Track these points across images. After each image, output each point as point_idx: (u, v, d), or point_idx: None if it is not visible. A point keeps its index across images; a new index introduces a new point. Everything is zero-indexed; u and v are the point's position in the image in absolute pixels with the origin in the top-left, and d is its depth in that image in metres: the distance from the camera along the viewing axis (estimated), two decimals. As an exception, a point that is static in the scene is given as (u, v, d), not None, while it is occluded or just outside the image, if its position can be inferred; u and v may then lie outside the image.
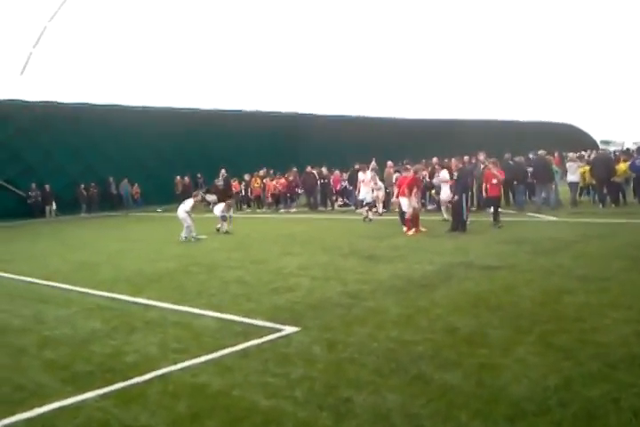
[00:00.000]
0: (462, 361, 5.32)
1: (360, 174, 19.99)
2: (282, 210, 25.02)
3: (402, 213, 15.35)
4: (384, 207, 20.67)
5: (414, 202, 14.92)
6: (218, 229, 17.10)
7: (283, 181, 25.80)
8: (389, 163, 22.26)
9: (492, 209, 15.75)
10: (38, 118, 28.45)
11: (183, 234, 15.65)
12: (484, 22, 42.55)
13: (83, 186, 29.42)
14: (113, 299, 8.97)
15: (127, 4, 30.04)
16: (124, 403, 4.93)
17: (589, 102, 55.84)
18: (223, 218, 17.02)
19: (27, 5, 27.58)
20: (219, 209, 17.17)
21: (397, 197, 15.53)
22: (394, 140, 42.76)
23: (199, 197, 16.98)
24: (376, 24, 39.22)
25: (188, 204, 15.88)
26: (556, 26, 43.78)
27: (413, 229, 14.61)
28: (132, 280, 10.43)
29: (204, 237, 15.81)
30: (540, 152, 20.50)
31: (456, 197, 14.72)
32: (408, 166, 16.34)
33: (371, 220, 18.22)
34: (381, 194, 20.30)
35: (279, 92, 40.75)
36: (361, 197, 19.57)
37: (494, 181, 15.26)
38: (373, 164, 23.14)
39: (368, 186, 19.23)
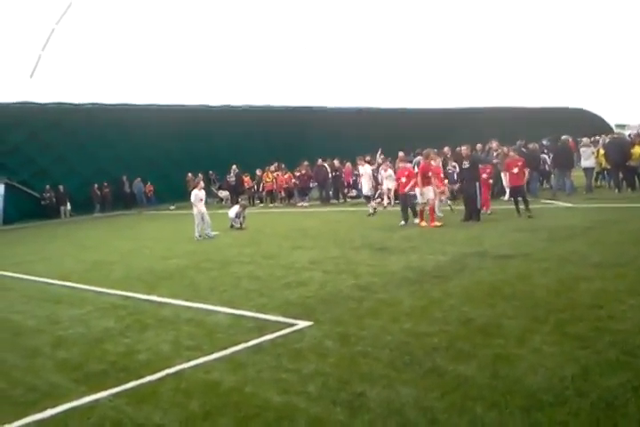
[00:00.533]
0: (477, 352, 5.24)
1: (360, 168, 19.77)
2: (300, 203, 24.87)
3: (404, 205, 15.00)
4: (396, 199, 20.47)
5: (431, 192, 14.51)
6: (232, 226, 17.09)
7: (288, 175, 25.82)
8: (401, 154, 22.07)
9: (516, 199, 14.58)
10: (50, 120, 28.61)
11: (206, 231, 15.55)
12: (495, 9, 42.10)
13: (96, 186, 29.57)
14: (126, 297, 8.98)
15: (132, 4, 30.05)
16: (137, 402, 4.91)
17: (602, 86, 55.09)
18: (237, 216, 17.03)
19: (34, 9, 27.70)
20: (233, 211, 17.15)
21: (404, 189, 14.99)
22: (404, 130, 42.47)
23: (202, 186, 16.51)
24: (385, 13, 38.94)
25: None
26: (568, 10, 43.19)
27: (419, 220, 14.44)
28: (144, 278, 10.45)
29: (216, 233, 15.77)
30: (564, 137, 20.26)
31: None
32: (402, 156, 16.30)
33: (372, 213, 17.80)
34: (392, 185, 19.79)
35: (287, 86, 40.63)
36: (365, 191, 19.40)
37: (515, 170, 14.61)
38: (380, 154, 23.08)
39: (367, 179, 19.03)
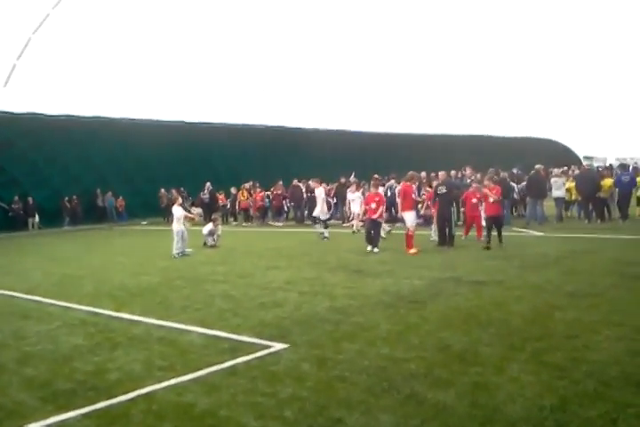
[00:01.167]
0: (455, 380, 5.21)
1: (316, 190, 18.83)
2: (274, 223, 24.74)
3: (369, 231, 14.38)
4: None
5: (413, 217, 14.23)
6: (205, 243, 16.92)
7: (262, 193, 25.80)
8: (375, 176, 22.16)
9: (490, 228, 14.03)
10: (23, 130, 28.13)
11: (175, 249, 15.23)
12: (468, 39, 43.06)
13: (66, 198, 29.06)
14: (96, 314, 8.76)
15: (111, 15, 29.97)
16: (107, 423, 4.76)
17: (571, 118, 56.53)
18: (210, 233, 16.89)
19: (11, 18, 27.46)
20: (207, 229, 17.00)
21: (372, 214, 14.35)
22: (379, 154, 42.92)
23: (180, 202, 16.40)
24: (364, 41, 39.52)
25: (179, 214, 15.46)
26: (539, 43, 44.37)
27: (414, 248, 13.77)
28: (115, 294, 10.22)
29: (190, 250, 15.57)
30: (537, 166, 20.63)
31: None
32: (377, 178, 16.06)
33: (326, 237, 17.39)
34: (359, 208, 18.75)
35: (268, 106, 40.76)
36: (315, 213, 18.28)
37: (491, 199, 14.05)
38: (353, 178, 23.18)
39: (321, 202, 18.12)
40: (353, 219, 19.92)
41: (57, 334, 7.64)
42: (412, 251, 13.61)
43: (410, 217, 14.26)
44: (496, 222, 14.09)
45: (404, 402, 4.80)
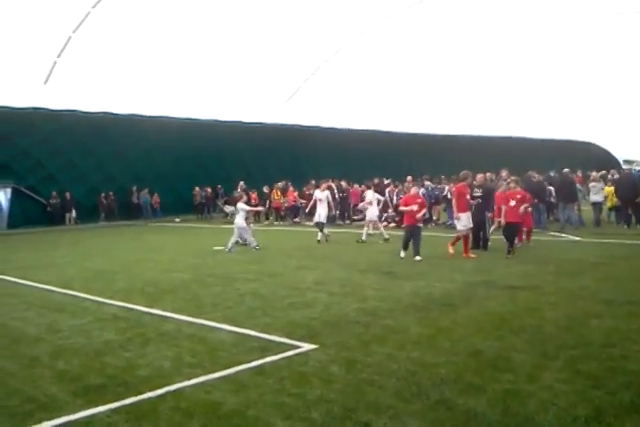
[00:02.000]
0: (487, 386, 5.11)
1: (317, 193, 18.36)
2: (305, 222, 24.60)
3: (409, 237, 13.14)
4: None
5: (468, 220, 13.37)
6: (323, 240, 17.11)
7: (296, 193, 25.99)
8: (409, 178, 21.99)
9: (506, 236, 13.20)
10: (62, 127, 28.72)
11: (232, 243, 15.55)
12: (506, 39, 42.28)
13: (103, 194, 29.59)
14: (128, 309, 8.87)
15: (150, 16, 30.28)
16: (136, 419, 4.78)
17: (612, 121, 55.09)
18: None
19: (51, 15, 27.94)
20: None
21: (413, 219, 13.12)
22: (412, 155, 42.67)
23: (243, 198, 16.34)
24: (396, 40, 39.19)
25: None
26: (579, 45, 43.36)
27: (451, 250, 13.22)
28: (147, 291, 10.34)
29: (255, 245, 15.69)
30: (565, 170, 20.22)
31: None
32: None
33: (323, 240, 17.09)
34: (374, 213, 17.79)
35: (298, 105, 40.75)
36: (317, 218, 17.68)
37: (512, 202, 12.93)
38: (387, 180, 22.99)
39: (324, 206, 17.70)
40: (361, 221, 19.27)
41: (90, 329, 7.74)
42: (472, 255, 13.06)
43: (464, 218, 13.43)
44: (511, 231, 13.03)
45: (433, 408, 4.72)
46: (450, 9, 36.72)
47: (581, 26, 41.60)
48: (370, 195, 17.71)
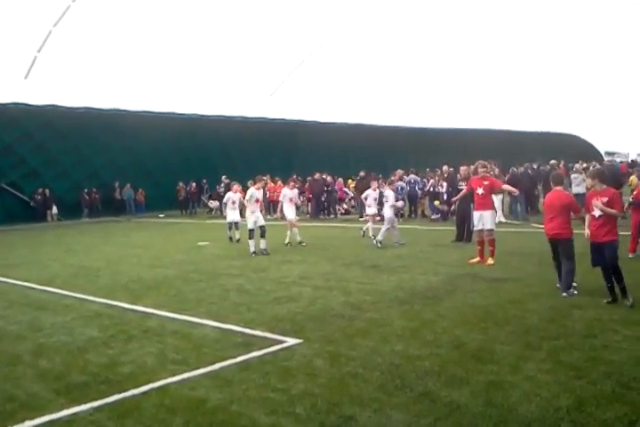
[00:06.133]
0: (470, 378, 5.14)
1: (286, 191, 16.76)
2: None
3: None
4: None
5: (493, 218, 11.66)
6: (230, 238, 16.68)
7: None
8: (399, 171, 22.03)
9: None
10: (44, 122, 28.39)
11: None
12: (488, 32, 42.39)
13: (85, 190, 29.32)
14: (111, 306, 8.80)
15: (132, 9, 29.97)
16: (119, 417, 4.75)
17: (593, 113, 55.55)
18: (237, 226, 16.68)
19: (31, 10, 27.56)
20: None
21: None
22: (397, 148, 42.78)
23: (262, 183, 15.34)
24: (381, 33, 39.21)
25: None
26: (561, 37, 43.63)
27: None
28: (130, 287, 10.27)
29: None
30: (552, 162, 20.35)
31: (452, 208, 14.34)
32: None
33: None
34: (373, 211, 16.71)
35: (282, 100, 40.68)
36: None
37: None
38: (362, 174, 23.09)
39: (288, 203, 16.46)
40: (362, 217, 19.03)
41: (72, 326, 7.67)
42: (490, 261, 11.17)
43: (491, 217, 11.61)
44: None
45: (416, 400, 4.73)
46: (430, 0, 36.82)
47: (562, 19, 41.85)
48: (391, 196, 15.14)
